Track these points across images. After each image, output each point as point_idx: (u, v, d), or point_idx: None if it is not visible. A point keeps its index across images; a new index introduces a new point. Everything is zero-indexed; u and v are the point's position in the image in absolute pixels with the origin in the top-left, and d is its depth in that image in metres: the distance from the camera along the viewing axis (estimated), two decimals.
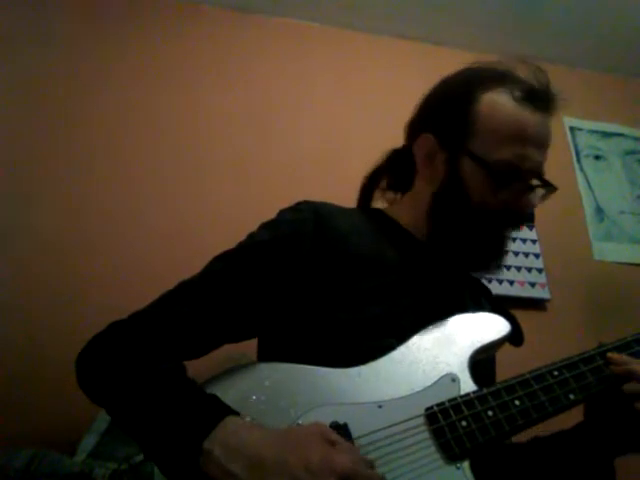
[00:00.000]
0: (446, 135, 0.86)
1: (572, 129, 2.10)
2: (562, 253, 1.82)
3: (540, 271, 1.75)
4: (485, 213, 0.83)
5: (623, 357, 0.76)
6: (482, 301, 0.95)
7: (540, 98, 0.84)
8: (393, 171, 0.99)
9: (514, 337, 0.83)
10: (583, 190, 2.00)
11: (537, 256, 1.78)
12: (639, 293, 1.83)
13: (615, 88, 2.24)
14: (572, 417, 0.79)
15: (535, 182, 0.84)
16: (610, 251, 1.91)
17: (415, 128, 0.93)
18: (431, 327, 0.79)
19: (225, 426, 0.60)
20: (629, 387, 0.73)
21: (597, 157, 2.08)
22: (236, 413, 0.63)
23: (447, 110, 0.87)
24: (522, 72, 0.87)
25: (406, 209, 0.93)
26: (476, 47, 2.11)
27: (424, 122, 0.91)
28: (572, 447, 0.82)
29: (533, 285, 1.73)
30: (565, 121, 2.10)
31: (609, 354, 0.77)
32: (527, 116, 0.82)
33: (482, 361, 0.79)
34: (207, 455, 0.58)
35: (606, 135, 2.12)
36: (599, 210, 1.98)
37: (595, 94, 2.19)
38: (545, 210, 1.83)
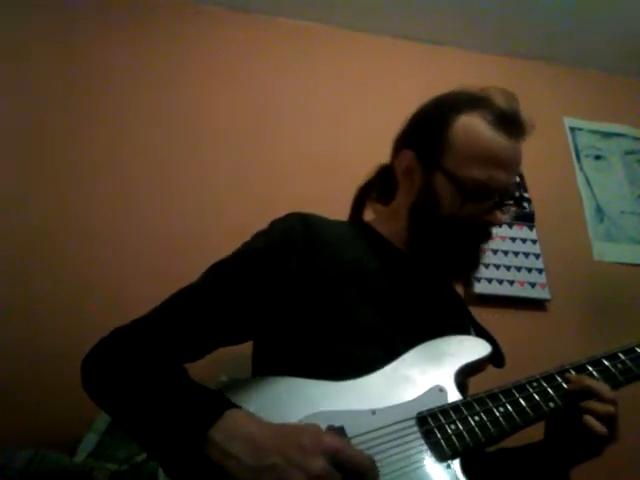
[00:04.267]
0: (424, 152, 0.94)
1: (572, 129, 2.10)
2: (562, 253, 1.82)
3: (540, 271, 1.75)
4: (454, 224, 0.90)
5: (579, 377, 0.80)
6: (465, 318, 1.00)
7: (511, 123, 0.90)
8: (381, 184, 1.06)
9: (495, 358, 0.89)
10: (583, 190, 1.99)
11: (537, 256, 1.78)
12: (639, 294, 1.83)
13: (615, 88, 2.24)
14: None
15: (505, 200, 0.91)
16: (610, 251, 1.91)
17: (398, 145, 1.01)
18: (419, 346, 0.84)
19: (227, 417, 0.64)
20: (584, 403, 0.76)
21: (597, 157, 2.08)
22: (238, 407, 0.67)
23: (426, 129, 0.96)
24: (497, 97, 0.93)
25: (388, 221, 1.00)
26: (476, 47, 2.12)
27: (406, 139, 0.99)
28: (532, 462, 0.87)
29: (533, 285, 1.73)
30: (565, 121, 2.10)
31: (567, 375, 0.80)
32: (498, 140, 0.89)
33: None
34: (210, 441, 0.62)
35: (606, 135, 2.12)
36: (599, 210, 1.98)
37: (595, 94, 2.19)
38: (545, 210, 1.84)
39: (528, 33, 2.08)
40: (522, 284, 1.72)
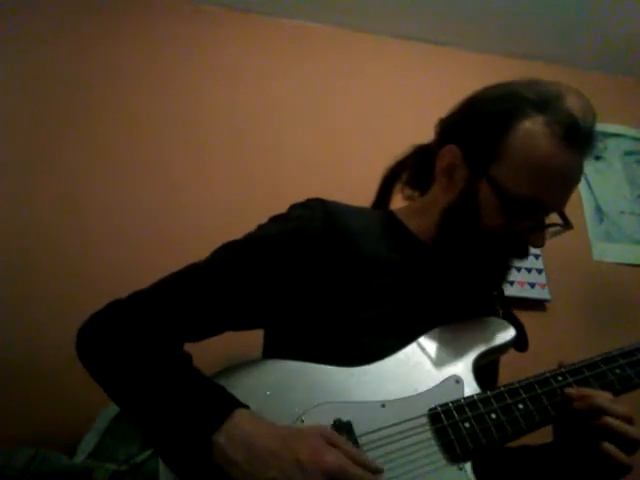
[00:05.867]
0: (472, 153, 0.82)
1: None
2: (562, 254, 1.81)
3: (540, 271, 1.75)
4: (490, 239, 0.81)
5: (581, 390, 0.73)
6: (491, 305, 0.94)
7: (580, 139, 0.78)
8: (414, 168, 0.98)
9: (518, 342, 0.84)
10: (583, 190, 1.99)
11: (537, 257, 1.78)
12: (639, 294, 1.83)
13: (615, 88, 2.23)
14: None
15: (551, 219, 0.82)
16: (610, 251, 1.91)
17: (444, 132, 0.89)
18: (436, 330, 0.79)
19: (232, 419, 0.62)
20: (599, 421, 0.69)
21: (597, 157, 2.08)
22: (243, 405, 0.65)
23: (480, 128, 0.82)
24: (571, 101, 0.81)
25: (417, 214, 0.92)
26: (476, 47, 2.11)
27: (454, 131, 0.87)
28: (545, 462, 0.81)
29: (533, 285, 1.73)
30: None
31: (567, 390, 0.73)
32: (562, 158, 0.77)
33: (485, 364, 0.79)
34: (214, 445, 0.61)
35: (606, 135, 2.12)
36: (599, 210, 1.98)
37: (595, 94, 2.17)
38: None
39: (528, 33, 2.08)
40: (522, 284, 1.72)
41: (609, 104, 2.17)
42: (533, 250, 1.74)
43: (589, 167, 2.04)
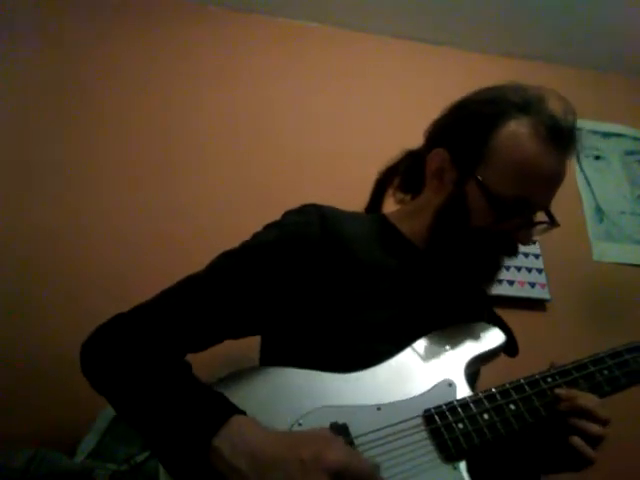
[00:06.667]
0: (460, 155, 0.85)
1: None
2: (562, 253, 1.81)
3: (540, 271, 1.76)
4: (482, 237, 0.84)
5: (570, 392, 0.75)
6: (481, 309, 0.95)
7: (562, 138, 0.82)
8: (405, 173, 1.00)
9: (508, 347, 0.86)
10: (583, 190, 1.99)
11: (537, 256, 1.78)
12: (638, 294, 1.83)
13: (615, 88, 2.24)
14: None
15: (539, 217, 0.85)
16: (610, 251, 1.91)
17: (433, 136, 0.92)
18: (429, 335, 0.81)
19: (232, 424, 0.62)
20: (574, 421, 0.73)
21: (597, 157, 2.08)
22: (241, 412, 0.65)
23: (466, 130, 0.86)
24: (552, 103, 0.84)
25: (409, 217, 0.94)
26: (476, 47, 2.12)
27: (442, 134, 0.90)
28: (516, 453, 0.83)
29: (533, 285, 1.73)
30: None
31: (557, 391, 0.76)
32: (547, 158, 0.80)
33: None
34: (214, 451, 0.61)
35: (606, 135, 2.12)
36: (599, 210, 1.98)
37: (595, 94, 2.19)
38: None
39: (528, 33, 2.08)
40: (522, 284, 1.72)
41: (609, 104, 2.18)
42: (533, 250, 1.77)
43: (589, 167, 2.04)
